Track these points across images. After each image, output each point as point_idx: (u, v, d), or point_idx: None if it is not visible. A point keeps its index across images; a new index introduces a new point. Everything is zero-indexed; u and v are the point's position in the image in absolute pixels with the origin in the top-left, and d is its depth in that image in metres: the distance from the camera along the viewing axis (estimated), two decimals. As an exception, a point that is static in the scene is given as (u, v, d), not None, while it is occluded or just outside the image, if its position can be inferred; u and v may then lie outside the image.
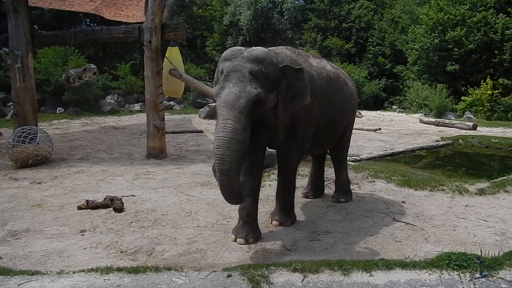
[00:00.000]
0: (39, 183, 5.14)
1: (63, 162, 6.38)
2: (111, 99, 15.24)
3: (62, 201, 4.35)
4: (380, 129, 11.15)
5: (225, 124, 2.73)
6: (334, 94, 3.81)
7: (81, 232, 3.47)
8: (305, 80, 3.10)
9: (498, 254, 2.87)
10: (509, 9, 15.46)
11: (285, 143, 3.47)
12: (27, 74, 6.83)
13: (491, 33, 15.40)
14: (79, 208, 4.04)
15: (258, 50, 2.97)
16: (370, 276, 2.58)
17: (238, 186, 2.79)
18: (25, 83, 6.79)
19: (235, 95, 2.76)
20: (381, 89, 19.83)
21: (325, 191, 4.64)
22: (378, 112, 16.92)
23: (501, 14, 15.60)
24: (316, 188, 4.54)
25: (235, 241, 3.24)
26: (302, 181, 4.96)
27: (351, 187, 4.58)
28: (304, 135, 3.53)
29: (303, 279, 2.53)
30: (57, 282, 2.45)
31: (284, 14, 22.89)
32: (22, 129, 6.44)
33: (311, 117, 3.52)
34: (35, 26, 13.80)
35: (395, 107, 18.70)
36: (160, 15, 6.53)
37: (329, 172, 4.91)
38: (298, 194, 4.43)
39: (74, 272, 2.58)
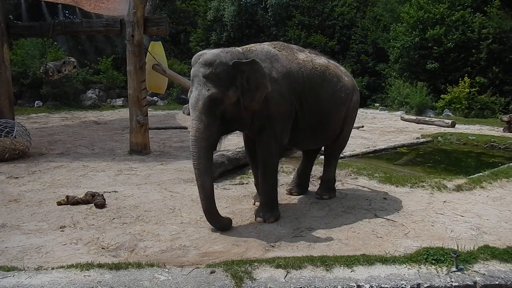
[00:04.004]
0: (16, 177, 5.01)
1: (42, 157, 6.23)
2: (92, 93, 14.92)
3: (41, 196, 4.25)
4: (363, 126, 11.27)
5: (192, 125, 3.24)
6: (320, 85, 3.83)
7: (60, 228, 3.41)
8: (261, 70, 3.31)
9: (473, 248, 2.96)
10: (485, 8, 15.81)
11: (263, 136, 3.54)
12: (3, 66, 6.64)
13: (469, 32, 15.72)
14: (59, 203, 3.96)
15: (208, 55, 3.29)
16: (351, 271, 2.62)
17: (209, 180, 3.23)
18: (0, 75, 6.60)
19: (195, 98, 3.22)
20: (364, 86, 19.94)
21: (309, 188, 4.68)
22: (361, 109, 16.99)
23: (478, 13, 15.95)
24: (300, 184, 4.56)
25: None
26: (286, 178, 4.99)
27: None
28: (280, 127, 3.59)
29: (286, 275, 2.55)
30: (35, 278, 2.40)
31: (268, 10, 22.79)
32: (-2, 122, 6.27)
33: (285, 109, 3.58)
34: (10, 17, 13.36)
35: (378, 104, 18.88)
36: (142, 8, 6.42)
37: (313, 169, 4.94)
38: (283, 190, 4.45)
39: (52, 268, 2.53)
